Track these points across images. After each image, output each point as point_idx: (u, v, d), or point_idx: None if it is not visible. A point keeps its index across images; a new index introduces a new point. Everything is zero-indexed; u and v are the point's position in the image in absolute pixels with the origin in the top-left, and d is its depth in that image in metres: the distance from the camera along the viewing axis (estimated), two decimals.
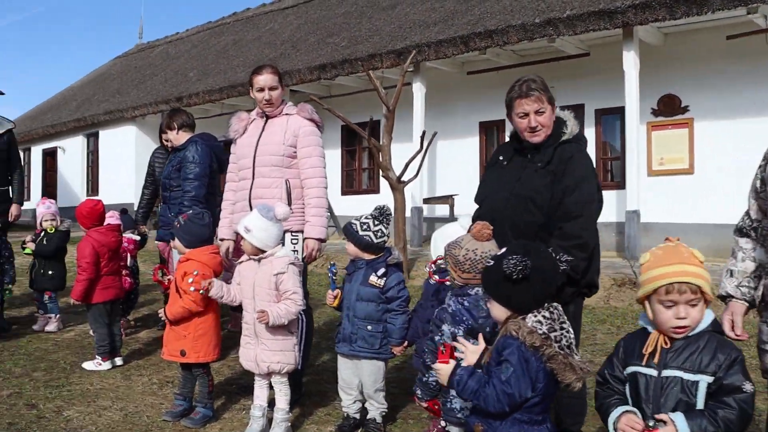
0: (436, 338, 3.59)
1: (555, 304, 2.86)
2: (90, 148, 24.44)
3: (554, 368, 2.70)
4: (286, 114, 5.20)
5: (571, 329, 2.84)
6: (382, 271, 4.44)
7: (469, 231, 3.63)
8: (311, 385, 5.39)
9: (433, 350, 3.51)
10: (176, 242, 4.84)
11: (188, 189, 5.97)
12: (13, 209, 7.49)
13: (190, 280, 4.53)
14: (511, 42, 13.23)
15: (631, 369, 2.66)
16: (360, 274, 4.50)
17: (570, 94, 13.45)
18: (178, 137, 6.34)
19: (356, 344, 4.46)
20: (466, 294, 3.55)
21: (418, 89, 14.90)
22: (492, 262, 2.92)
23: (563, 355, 2.71)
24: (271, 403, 4.50)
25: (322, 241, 5.04)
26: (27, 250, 7.43)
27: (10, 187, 7.53)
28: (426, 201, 15.15)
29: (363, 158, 17.86)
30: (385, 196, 16.40)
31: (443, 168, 15.92)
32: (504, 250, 2.93)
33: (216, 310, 4.80)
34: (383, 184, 16.53)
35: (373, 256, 4.49)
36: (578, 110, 13.99)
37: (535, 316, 2.76)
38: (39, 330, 7.31)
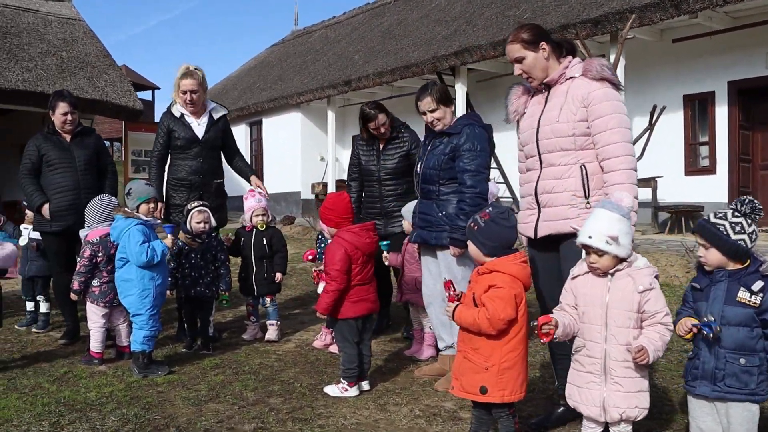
0: None
1: None
2: (253, 136, 24.15)
3: None
4: (569, 78, 4.04)
5: None
6: (760, 285, 3.24)
7: None
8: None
9: None
10: (471, 248, 3.77)
11: (471, 184, 4.81)
12: (255, 180, 6.85)
13: (544, 330, 3.43)
14: (732, 1, 11.57)
15: None
16: (720, 290, 3.30)
17: None
18: (452, 117, 5.14)
19: (723, 383, 3.27)
20: None
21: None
22: None
23: None
24: None
25: None
26: None
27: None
28: None
29: None
30: None
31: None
32: None
33: (526, 338, 3.69)
34: None
35: (738, 266, 3.30)
36: None
37: None
38: (250, 340, 6.48)
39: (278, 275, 6.50)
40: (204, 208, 6.01)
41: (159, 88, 36.92)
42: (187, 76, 6.45)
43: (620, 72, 13.28)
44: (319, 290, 5.82)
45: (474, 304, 3.68)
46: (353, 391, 4.81)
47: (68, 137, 6.48)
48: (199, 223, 5.94)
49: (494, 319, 3.52)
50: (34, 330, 6.95)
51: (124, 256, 5.34)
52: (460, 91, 15.94)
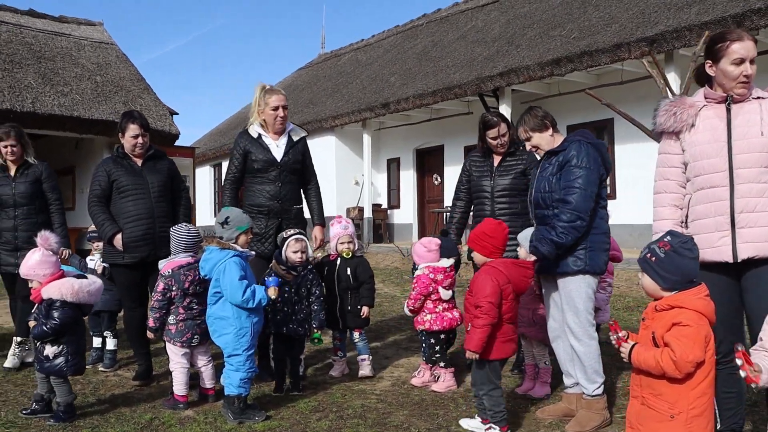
0: None
1: None
2: None
3: None
4: (758, 98, 3.77)
5: None
6: None
7: None
8: None
9: None
10: (646, 281, 3.31)
11: (569, 200, 4.45)
12: (317, 232, 6.13)
13: (739, 362, 2.97)
14: None
15: None
16: None
17: None
18: (553, 140, 4.81)
19: None
20: None
21: (673, 80, 12.93)
22: None
23: None
24: None
25: None
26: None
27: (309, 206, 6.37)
28: None
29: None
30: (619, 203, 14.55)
31: None
32: None
33: (714, 381, 3.24)
34: None
35: None
36: None
37: None
38: (338, 377, 6.02)
39: (364, 309, 6.03)
40: (302, 237, 5.52)
41: (177, 114, 36.55)
42: (273, 92, 6.03)
43: (677, 91, 12.89)
44: (406, 309, 5.43)
45: (654, 344, 3.25)
46: None
47: (139, 161, 6.08)
48: (296, 252, 5.45)
49: (681, 361, 3.13)
50: (101, 369, 6.48)
51: (218, 290, 4.89)
52: (505, 113, 15.50)
